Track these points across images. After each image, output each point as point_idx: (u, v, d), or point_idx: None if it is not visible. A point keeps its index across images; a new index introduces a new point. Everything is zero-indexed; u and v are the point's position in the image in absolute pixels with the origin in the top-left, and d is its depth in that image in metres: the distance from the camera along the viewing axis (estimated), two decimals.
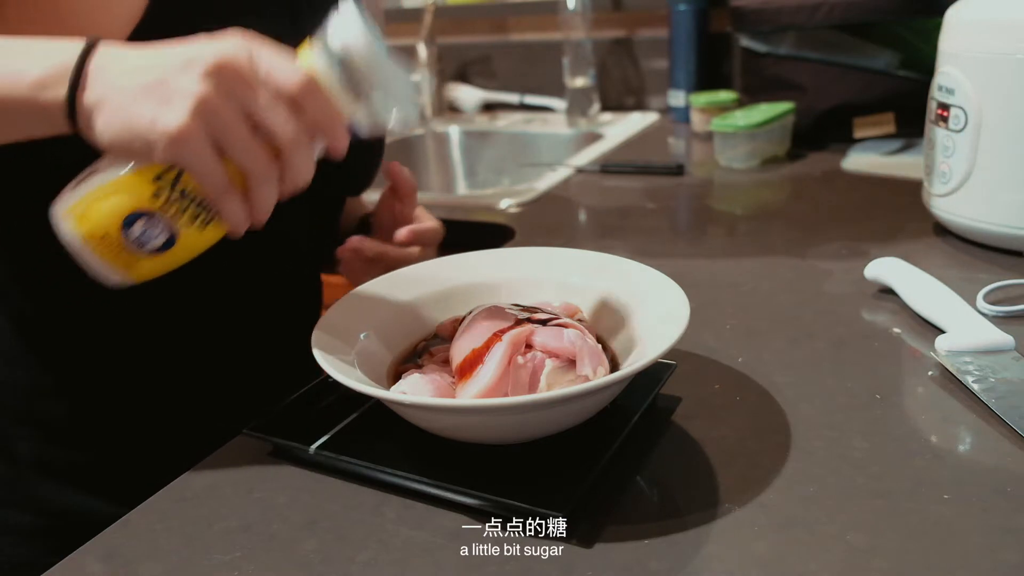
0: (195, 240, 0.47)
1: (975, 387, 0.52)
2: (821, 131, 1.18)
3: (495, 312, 0.50)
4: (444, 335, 0.57)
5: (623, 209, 1.01)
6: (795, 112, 1.16)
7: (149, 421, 0.63)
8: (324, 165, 0.47)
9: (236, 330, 0.65)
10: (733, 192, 1.06)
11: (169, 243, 0.46)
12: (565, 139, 1.49)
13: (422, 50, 1.63)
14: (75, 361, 0.61)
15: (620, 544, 0.41)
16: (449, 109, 1.71)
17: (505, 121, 1.59)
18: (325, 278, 0.79)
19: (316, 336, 0.50)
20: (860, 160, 1.10)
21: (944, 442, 0.48)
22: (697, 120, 1.32)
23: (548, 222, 0.99)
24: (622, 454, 0.48)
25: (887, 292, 0.67)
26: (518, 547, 0.42)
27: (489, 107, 1.71)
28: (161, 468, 0.51)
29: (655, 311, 0.52)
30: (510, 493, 0.43)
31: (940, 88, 0.76)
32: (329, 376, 0.46)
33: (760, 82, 1.23)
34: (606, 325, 0.56)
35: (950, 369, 0.54)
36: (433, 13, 1.61)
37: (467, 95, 1.70)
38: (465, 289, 0.60)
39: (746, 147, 1.11)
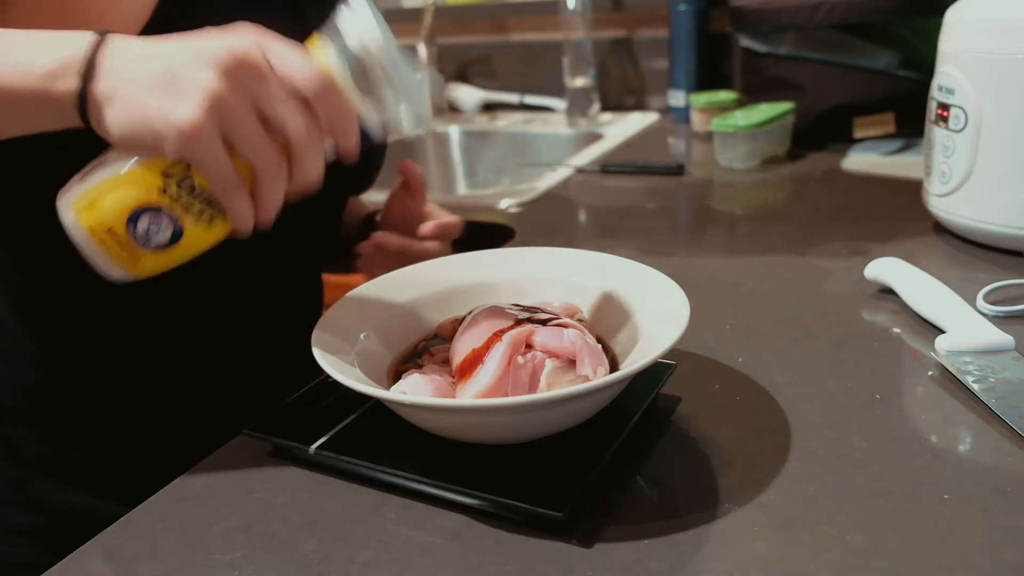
0: (200, 237, 0.46)
1: (975, 387, 0.52)
2: (821, 131, 1.18)
3: (495, 312, 0.50)
4: (444, 335, 0.57)
5: (623, 209, 1.01)
6: (795, 112, 1.16)
7: (151, 421, 0.63)
8: (328, 165, 0.47)
9: (237, 330, 0.66)
10: (733, 192, 1.05)
11: (174, 239, 0.45)
12: (565, 139, 1.49)
13: (422, 50, 1.63)
14: (78, 360, 0.61)
15: (620, 544, 0.41)
16: (449, 109, 1.71)
17: (505, 121, 1.59)
18: (325, 278, 0.79)
19: (316, 336, 0.50)
20: (860, 160, 1.10)
21: (944, 442, 0.48)
22: (697, 120, 1.32)
23: (548, 222, 0.99)
24: (622, 454, 0.48)
25: (887, 292, 0.67)
26: (518, 547, 0.42)
27: (489, 107, 1.71)
28: (163, 468, 0.51)
29: (655, 311, 0.52)
30: (510, 493, 0.43)
31: (940, 88, 0.76)
32: (329, 376, 0.46)
33: (760, 82, 1.23)
34: (606, 325, 0.56)
35: (950, 369, 0.54)
36: (433, 13, 1.61)
37: (467, 95, 1.70)
38: (465, 289, 0.60)
39: (746, 147, 1.11)
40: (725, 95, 1.29)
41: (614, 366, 0.51)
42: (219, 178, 0.43)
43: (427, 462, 0.47)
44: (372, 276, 0.60)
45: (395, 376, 0.52)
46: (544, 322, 0.49)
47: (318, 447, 0.49)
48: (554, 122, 1.55)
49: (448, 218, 0.77)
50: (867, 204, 0.93)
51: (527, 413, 0.44)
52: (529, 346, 0.47)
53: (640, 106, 1.60)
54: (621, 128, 1.44)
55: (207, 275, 0.57)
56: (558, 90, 1.59)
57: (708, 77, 1.41)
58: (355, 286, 0.59)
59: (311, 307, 0.73)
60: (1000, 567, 0.38)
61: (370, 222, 0.84)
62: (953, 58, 0.74)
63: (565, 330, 0.48)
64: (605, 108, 1.58)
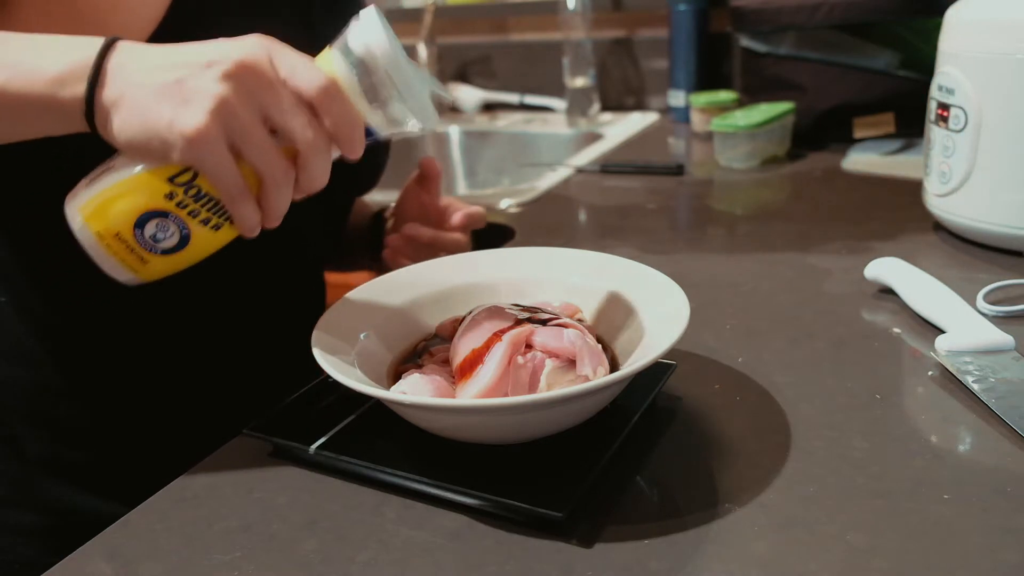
0: (207, 241, 0.47)
1: (975, 387, 0.52)
2: (821, 131, 1.18)
3: (495, 312, 0.50)
4: (444, 335, 0.57)
5: (623, 209, 1.01)
6: (795, 112, 1.16)
7: (153, 420, 0.63)
8: (333, 166, 0.47)
9: (240, 330, 0.66)
10: (733, 192, 1.05)
11: (181, 244, 0.46)
12: (565, 139, 1.49)
13: (422, 50, 1.63)
14: (81, 360, 0.61)
15: (620, 544, 0.41)
16: (449, 109, 1.71)
17: (505, 121, 1.59)
18: (327, 278, 0.79)
19: (316, 336, 0.50)
20: (860, 160, 1.10)
21: (944, 442, 0.48)
22: (697, 120, 1.32)
23: (548, 222, 0.99)
24: (622, 454, 0.48)
25: (887, 292, 0.67)
26: (518, 547, 0.42)
27: (489, 107, 1.71)
28: (164, 468, 0.51)
29: (655, 311, 0.52)
30: (510, 493, 0.43)
31: (940, 88, 0.76)
32: (329, 376, 0.46)
33: (760, 82, 1.23)
34: (606, 325, 0.56)
35: (950, 369, 0.54)
36: (433, 13, 1.61)
37: (467, 95, 1.70)
38: (465, 289, 0.60)
39: (746, 147, 1.11)
40: (725, 95, 1.29)
41: (614, 366, 0.51)
42: (226, 185, 0.43)
43: (427, 462, 0.47)
44: (386, 272, 0.60)
45: (395, 376, 0.52)
46: (544, 322, 0.49)
47: (318, 447, 0.49)
48: (554, 122, 1.55)
49: (473, 209, 0.78)
50: (867, 204, 0.93)
51: (527, 413, 0.44)
52: (529, 346, 0.47)
53: (640, 106, 1.60)
54: (621, 128, 1.44)
55: (210, 275, 0.57)
56: (558, 90, 1.59)
57: (708, 77, 1.42)
58: (356, 286, 0.59)
59: (313, 307, 0.73)
60: (1000, 567, 0.38)
61: (379, 219, 0.84)
62: (953, 58, 0.74)
63: (565, 330, 0.48)
64: (605, 108, 1.58)
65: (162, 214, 0.45)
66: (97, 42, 0.44)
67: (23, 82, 0.43)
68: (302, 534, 0.44)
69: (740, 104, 1.25)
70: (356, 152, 0.46)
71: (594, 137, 1.42)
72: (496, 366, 0.46)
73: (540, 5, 1.61)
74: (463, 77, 1.74)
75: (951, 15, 0.76)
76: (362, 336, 0.54)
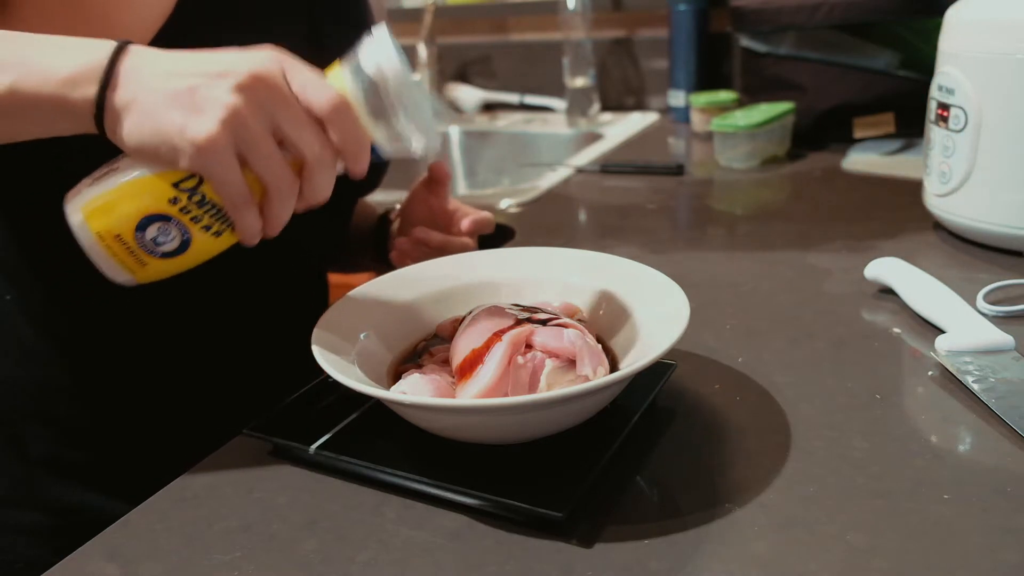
0: (207, 247, 0.47)
1: (975, 387, 0.52)
2: (821, 131, 1.18)
3: (495, 312, 0.50)
4: (444, 335, 0.57)
5: (623, 209, 1.01)
6: (795, 112, 1.16)
7: (156, 420, 0.63)
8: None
9: (242, 330, 0.66)
10: (733, 192, 1.05)
11: (182, 248, 0.46)
12: (565, 139, 1.49)
13: (422, 50, 1.63)
14: (86, 360, 0.61)
15: (620, 544, 0.41)
16: (449, 109, 1.71)
17: (505, 121, 1.59)
18: (331, 278, 0.79)
19: (316, 336, 0.50)
20: (860, 160, 1.10)
21: (944, 442, 0.48)
22: (697, 120, 1.32)
23: (548, 222, 0.99)
24: (622, 454, 0.48)
25: (887, 292, 0.67)
26: (518, 547, 0.42)
27: (489, 107, 1.71)
28: (167, 467, 0.51)
29: (655, 311, 0.52)
30: (510, 493, 0.43)
31: (940, 88, 0.76)
32: (329, 376, 0.46)
33: (760, 82, 1.24)
34: (606, 325, 0.56)
35: (950, 369, 0.54)
36: (433, 13, 1.61)
37: (467, 95, 1.70)
38: (465, 289, 0.60)
39: (746, 147, 1.11)
40: (725, 95, 1.29)
41: (614, 366, 0.51)
42: (231, 193, 0.44)
43: (427, 462, 0.47)
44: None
45: (395, 376, 0.52)
46: (544, 322, 0.49)
47: (318, 447, 0.49)
48: (554, 122, 1.55)
49: (482, 214, 0.78)
50: (867, 204, 0.93)
51: (527, 413, 0.44)
52: (529, 346, 0.47)
53: (640, 106, 1.60)
54: (621, 128, 1.44)
55: (214, 275, 0.57)
56: (558, 90, 1.59)
57: (708, 77, 1.42)
58: (356, 286, 0.59)
59: (316, 308, 0.73)
60: (1000, 567, 0.38)
61: (384, 221, 0.84)
62: (953, 58, 0.74)
63: (565, 330, 0.48)
64: (605, 108, 1.58)
65: (164, 218, 0.45)
66: (109, 45, 0.44)
67: (33, 82, 0.44)
68: (302, 534, 0.44)
69: (740, 104, 1.25)
70: (361, 169, 0.47)
71: (594, 137, 1.42)
72: (496, 366, 0.46)
73: (540, 5, 1.61)
74: (463, 77, 1.74)
75: (951, 15, 0.76)
76: (362, 336, 0.54)
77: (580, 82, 1.47)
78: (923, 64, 1.07)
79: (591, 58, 1.47)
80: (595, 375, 0.46)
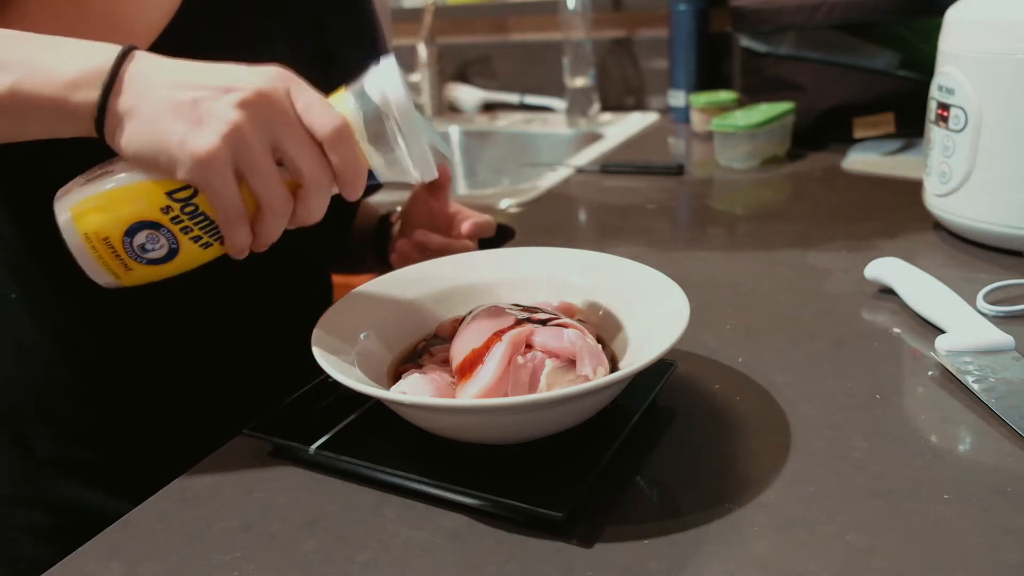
0: (194, 257, 0.47)
1: (975, 387, 0.52)
2: (821, 131, 1.18)
3: (495, 312, 0.50)
4: (444, 335, 0.57)
5: (623, 209, 1.01)
6: (795, 112, 1.16)
7: (159, 419, 0.63)
8: None
9: (245, 330, 0.66)
10: (733, 192, 1.05)
11: (168, 256, 0.46)
12: (565, 139, 1.49)
13: (422, 50, 1.63)
14: (91, 359, 0.61)
15: (620, 544, 0.41)
16: (449, 109, 1.71)
17: (505, 121, 1.59)
18: (336, 279, 0.79)
19: (316, 336, 0.50)
20: (860, 160, 1.10)
21: (944, 442, 0.48)
22: (697, 120, 1.32)
23: (548, 222, 0.99)
24: (622, 454, 0.48)
25: (887, 292, 0.67)
26: (518, 547, 0.42)
27: (489, 107, 1.71)
28: (173, 466, 0.51)
29: (655, 311, 0.52)
30: (510, 493, 0.43)
31: (940, 88, 0.76)
32: (329, 376, 0.46)
33: (760, 82, 1.24)
34: (606, 325, 0.56)
35: (950, 369, 0.54)
36: (433, 13, 1.61)
37: (467, 95, 1.70)
38: (465, 289, 0.60)
39: (746, 147, 1.11)
40: (725, 95, 1.29)
41: (614, 366, 0.51)
42: (225, 208, 0.44)
43: (427, 462, 0.47)
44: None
45: (395, 376, 0.52)
46: (544, 322, 0.49)
47: (318, 447, 0.49)
48: (554, 122, 1.55)
49: (483, 217, 0.78)
50: (867, 204, 0.93)
51: (527, 413, 0.44)
52: (529, 346, 0.47)
53: (640, 106, 1.60)
54: (621, 128, 1.44)
55: (218, 276, 0.57)
56: (558, 90, 1.59)
57: (708, 77, 1.42)
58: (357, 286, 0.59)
59: (318, 308, 0.73)
60: (1000, 567, 0.38)
61: (385, 223, 0.84)
62: (953, 58, 0.74)
63: (565, 330, 0.48)
64: (605, 108, 1.58)
65: (155, 226, 0.45)
66: (114, 49, 0.44)
67: (35, 83, 0.43)
68: (302, 534, 0.44)
69: (740, 104, 1.25)
70: (356, 195, 0.47)
71: (594, 137, 1.42)
72: (496, 366, 0.46)
73: (540, 5, 1.61)
74: (463, 77, 1.74)
75: (951, 15, 0.76)
76: (362, 336, 0.54)
77: (580, 82, 1.47)
78: (923, 64, 1.07)
79: (591, 58, 1.47)
80: (595, 375, 0.46)
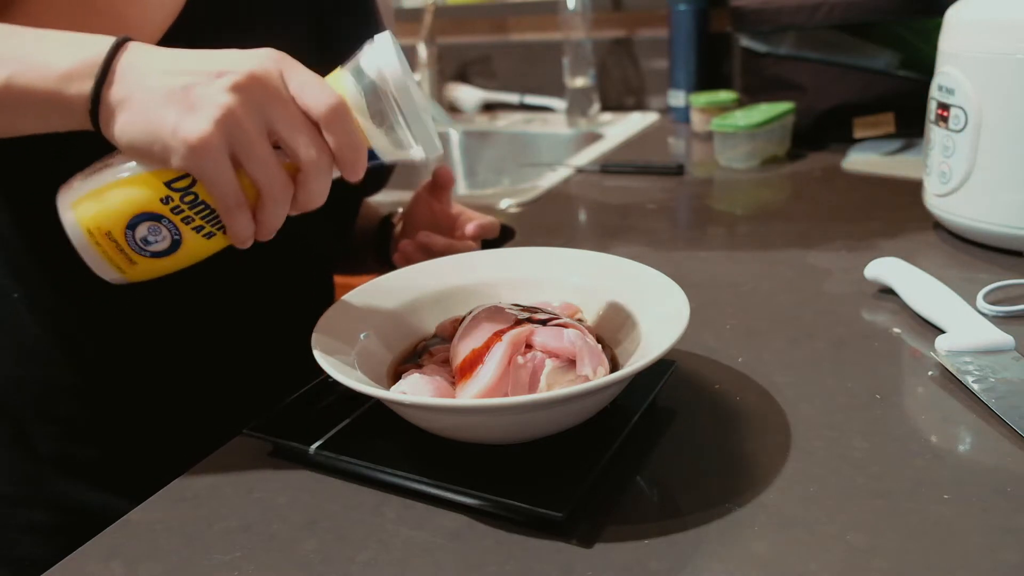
0: (198, 248, 0.46)
1: (975, 387, 0.52)
2: (821, 131, 1.18)
3: (495, 312, 0.50)
4: (444, 335, 0.57)
5: (623, 209, 1.01)
6: (795, 112, 1.16)
7: (160, 419, 0.63)
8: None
9: (247, 330, 0.66)
10: (733, 192, 1.05)
11: (172, 248, 0.46)
12: (565, 139, 1.49)
13: (422, 50, 1.63)
14: (93, 357, 0.61)
15: (620, 544, 0.41)
16: (449, 109, 1.71)
17: (505, 121, 1.59)
18: (337, 280, 0.79)
19: (316, 336, 0.50)
20: (860, 160, 1.10)
21: (944, 442, 0.48)
22: (697, 120, 1.32)
23: (548, 222, 0.99)
24: (622, 454, 0.48)
25: (887, 292, 0.67)
26: (518, 547, 0.42)
27: (489, 107, 1.71)
28: (175, 465, 0.51)
29: (655, 311, 0.52)
30: (510, 493, 0.43)
31: (940, 88, 0.76)
32: (329, 376, 0.46)
33: (760, 82, 1.24)
34: (606, 325, 0.56)
35: (950, 369, 0.54)
36: (433, 13, 1.61)
37: (467, 95, 1.70)
38: (465, 289, 0.60)
39: (746, 147, 1.11)
40: (725, 95, 1.29)
41: (614, 366, 0.51)
42: (223, 195, 0.43)
43: (427, 462, 0.47)
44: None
45: (395, 376, 0.52)
46: (544, 322, 0.49)
47: (318, 447, 0.49)
48: (554, 122, 1.55)
49: (486, 219, 0.78)
50: (867, 204, 0.93)
51: (527, 413, 0.44)
52: (529, 346, 0.47)
53: (640, 106, 1.60)
54: (621, 128, 1.44)
55: (221, 275, 0.57)
56: (558, 90, 1.59)
57: (708, 77, 1.42)
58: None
59: (320, 308, 0.73)
60: (1000, 567, 0.38)
61: (387, 224, 0.84)
62: (953, 58, 0.74)
63: (565, 330, 0.48)
64: (605, 108, 1.58)
65: (156, 217, 0.44)
66: (108, 40, 0.44)
67: (30, 76, 0.43)
68: (302, 534, 0.44)
69: (740, 104, 1.25)
70: (357, 175, 0.46)
71: (594, 137, 1.42)
72: (496, 366, 0.46)
73: (540, 5, 1.61)
74: (463, 77, 1.74)
75: (951, 15, 0.76)
76: (362, 336, 0.54)
77: (580, 82, 1.47)
78: (923, 64, 1.07)
79: (591, 58, 1.47)
80: (595, 375, 0.46)
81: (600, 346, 0.49)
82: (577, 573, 0.40)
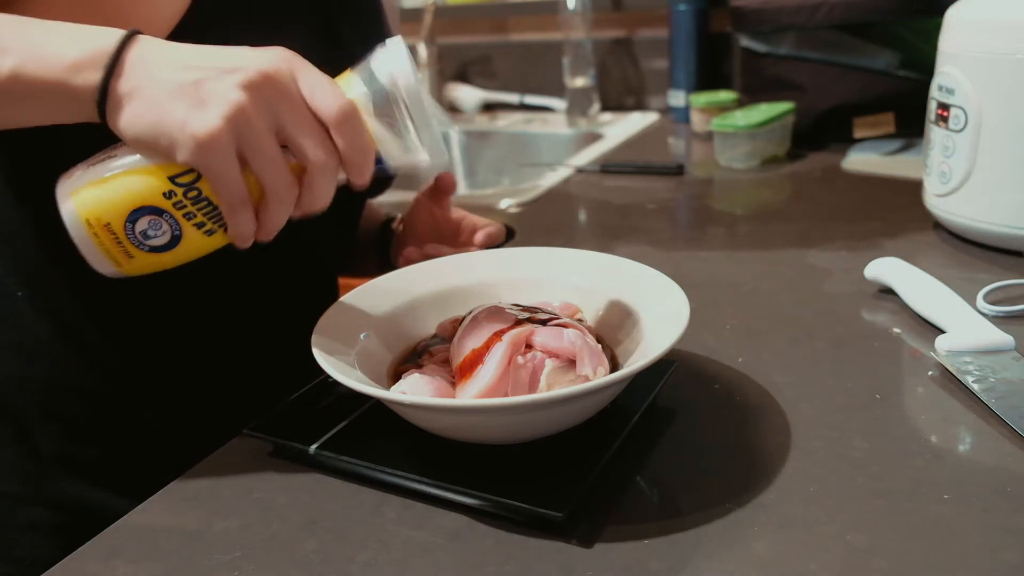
0: (197, 245, 0.46)
1: (975, 387, 0.52)
2: (821, 131, 1.18)
3: (495, 312, 0.50)
4: (444, 335, 0.57)
5: (623, 209, 1.01)
6: (795, 112, 1.16)
7: (162, 418, 0.63)
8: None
9: (251, 330, 0.66)
10: (733, 192, 1.06)
11: (171, 244, 0.45)
12: (565, 139, 1.49)
13: (422, 50, 1.63)
14: (96, 356, 0.61)
15: (620, 544, 0.41)
16: (449, 109, 1.71)
17: (505, 121, 1.59)
18: (341, 281, 0.79)
19: (316, 336, 0.50)
20: (860, 160, 1.10)
21: (944, 442, 0.48)
22: (697, 120, 1.32)
23: (548, 222, 0.99)
24: (622, 454, 0.48)
25: (887, 292, 0.67)
26: (518, 547, 0.42)
27: (489, 107, 1.71)
28: (174, 466, 0.51)
29: (655, 311, 0.52)
30: (510, 493, 0.43)
31: (940, 88, 0.76)
32: (329, 376, 0.46)
33: (760, 82, 1.24)
34: (606, 325, 0.56)
35: (950, 369, 0.54)
36: (433, 13, 1.61)
37: (467, 95, 1.70)
38: (465, 289, 0.60)
39: (746, 147, 1.11)
40: (725, 95, 1.29)
41: (614, 366, 0.51)
42: (228, 192, 0.43)
43: (427, 462, 0.47)
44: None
45: (395, 376, 0.52)
46: (544, 322, 0.49)
47: (318, 447, 0.49)
48: (554, 122, 1.55)
49: (493, 226, 0.78)
50: (867, 204, 0.93)
51: (527, 413, 0.44)
52: (529, 346, 0.47)
53: (640, 106, 1.60)
54: (621, 128, 1.44)
55: (224, 275, 0.57)
56: (558, 90, 1.59)
57: (708, 77, 1.42)
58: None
59: (323, 310, 0.73)
60: (1000, 567, 0.38)
61: (387, 228, 0.84)
62: (953, 58, 0.74)
63: (565, 330, 0.48)
64: (605, 108, 1.58)
65: (157, 211, 0.44)
66: (117, 33, 0.43)
67: (38, 66, 0.43)
68: (302, 534, 0.44)
69: (740, 104, 1.25)
70: (364, 179, 0.46)
71: (594, 137, 1.42)
72: (496, 366, 0.46)
73: (540, 5, 1.61)
74: (463, 77, 1.74)
75: (951, 15, 0.76)
76: (362, 336, 0.54)
77: (580, 82, 1.47)
78: (923, 64, 1.07)
79: (591, 58, 1.47)
80: (595, 375, 0.46)
81: (600, 346, 0.49)
82: (577, 573, 0.40)
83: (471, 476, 0.45)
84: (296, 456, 0.50)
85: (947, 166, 0.75)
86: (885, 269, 0.67)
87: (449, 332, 0.55)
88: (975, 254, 0.75)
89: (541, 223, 0.98)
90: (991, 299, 0.63)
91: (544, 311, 0.52)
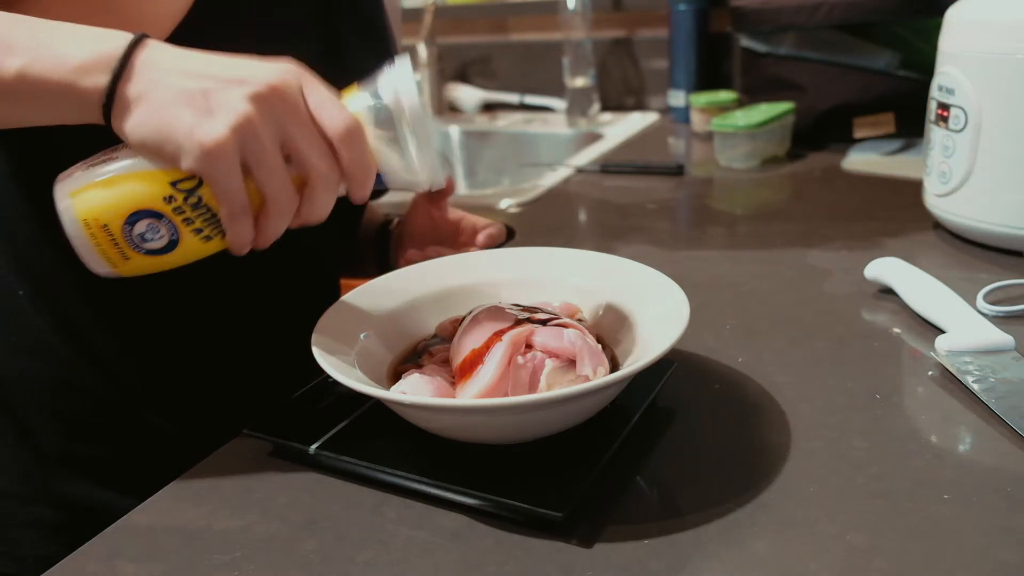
0: (194, 249, 0.46)
1: (975, 387, 0.52)
2: (821, 131, 1.18)
3: (495, 312, 0.50)
4: (444, 335, 0.57)
5: (623, 209, 1.01)
6: (795, 112, 1.16)
7: (164, 417, 0.63)
8: None
9: (251, 330, 0.66)
10: (733, 192, 1.06)
11: (168, 247, 0.46)
12: (565, 139, 1.49)
13: (422, 50, 1.63)
14: (98, 355, 0.61)
15: (620, 544, 0.41)
16: (449, 109, 1.71)
17: (505, 121, 1.59)
18: (341, 281, 0.79)
19: (316, 336, 0.50)
20: (860, 160, 1.10)
21: (944, 442, 0.48)
22: (697, 120, 1.32)
23: (548, 222, 0.99)
24: (622, 454, 0.48)
25: (887, 292, 0.67)
26: (518, 547, 0.42)
27: (489, 107, 1.71)
28: (174, 466, 0.51)
29: (655, 311, 0.52)
30: (510, 493, 0.43)
31: (940, 88, 0.76)
32: (329, 376, 0.46)
33: (760, 82, 1.24)
34: (606, 325, 0.56)
35: (950, 369, 0.54)
36: (433, 13, 1.61)
37: (467, 95, 1.70)
38: (465, 289, 0.60)
39: (746, 147, 1.11)
40: (725, 95, 1.29)
41: (614, 366, 0.51)
42: (229, 201, 0.44)
43: (427, 462, 0.47)
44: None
45: (395, 376, 0.52)
46: (544, 322, 0.49)
47: (318, 447, 0.49)
48: (554, 122, 1.55)
49: (494, 226, 0.78)
50: (867, 204, 0.93)
51: (527, 413, 0.44)
52: (529, 346, 0.47)
53: (640, 106, 1.60)
54: (621, 128, 1.44)
55: (226, 276, 0.57)
56: (558, 90, 1.59)
57: (708, 77, 1.41)
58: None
59: (324, 310, 0.73)
60: (1000, 567, 0.38)
61: (385, 230, 0.84)
62: (953, 58, 0.74)
63: (565, 330, 0.48)
64: (605, 108, 1.58)
65: (156, 215, 0.44)
66: (125, 36, 0.44)
67: (44, 67, 0.43)
68: (302, 534, 0.44)
69: (740, 104, 1.25)
70: (364, 196, 0.47)
71: (594, 137, 1.42)
72: (496, 366, 0.46)
73: (540, 5, 1.61)
74: (463, 77, 1.74)
75: (951, 15, 0.76)
76: (362, 336, 0.54)
77: (580, 82, 1.47)
78: (923, 64, 1.07)
79: (591, 58, 1.47)
80: (595, 375, 0.46)
81: (600, 346, 0.49)
82: (577, 573, 0.40)
83: (471, 476, 0.45)
84: (296, 456, 0.50)
85: (947, 166, 0.75)
86: (885, 269, 0.67)
87: (449, 332, 0.55)
88: (975, 254, 0.75)
89: (541, 223, 0.98)
90: (991, 299, 0.63)
91: (544, 311, 0.52)
